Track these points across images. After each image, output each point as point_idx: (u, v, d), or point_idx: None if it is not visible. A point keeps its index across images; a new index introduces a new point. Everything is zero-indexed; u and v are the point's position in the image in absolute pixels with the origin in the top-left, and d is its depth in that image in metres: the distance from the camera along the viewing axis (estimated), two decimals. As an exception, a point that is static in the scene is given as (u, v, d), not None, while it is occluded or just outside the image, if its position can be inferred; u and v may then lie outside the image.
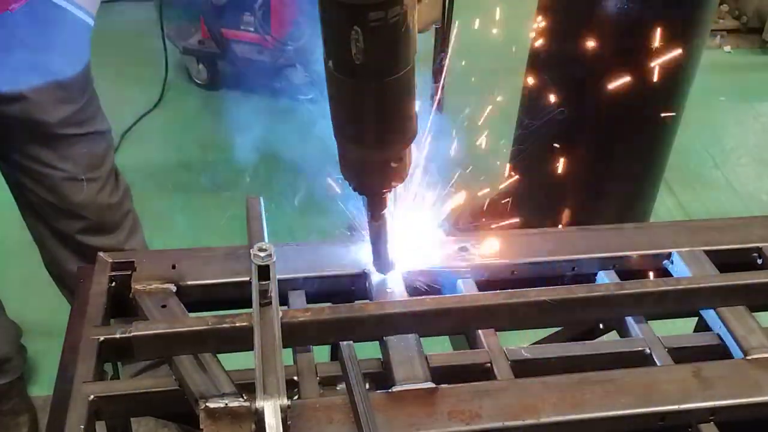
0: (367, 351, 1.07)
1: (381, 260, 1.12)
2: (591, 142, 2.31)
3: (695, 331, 1.27)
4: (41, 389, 2.32)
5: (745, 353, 1.08)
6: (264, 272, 0.97)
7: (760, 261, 1.25)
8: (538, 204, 2.63)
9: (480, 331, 1.10)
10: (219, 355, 1.01)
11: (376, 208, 1.05)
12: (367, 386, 1.01)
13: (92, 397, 0.96)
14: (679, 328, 1.23)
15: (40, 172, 1.78)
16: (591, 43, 2.20)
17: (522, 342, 1.16)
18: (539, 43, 2.44)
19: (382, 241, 1.10)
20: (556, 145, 2.49)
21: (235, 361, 1.02)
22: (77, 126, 1.77)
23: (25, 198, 1.88)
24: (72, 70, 1.71)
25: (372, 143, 0.94)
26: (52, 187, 1.81)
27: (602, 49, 2.21)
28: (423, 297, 1.09)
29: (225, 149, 3.41)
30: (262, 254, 0.97)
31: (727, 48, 4.34)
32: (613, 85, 2.04)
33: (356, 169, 1.00)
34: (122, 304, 1.13)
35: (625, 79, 2.03)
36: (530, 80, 2.51)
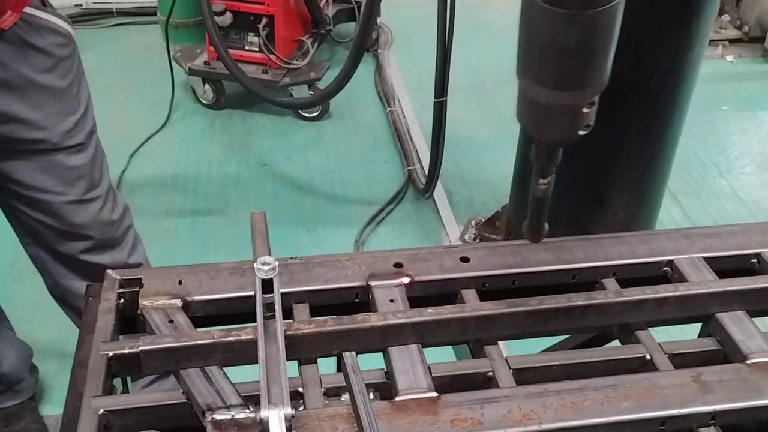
0: (373, 362, 1.09)
1: (538, 226, 1.02)
2: (592, 152, 2.32)
3: (699, 337, 1.28)
4: (53, 409, 2.34)
5: (745, 357, 1.09)
6: (267, 286, 0.99)
7: (759, 266, 1.27)
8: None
9: (482, 340, 1.11)
10: (226, 368, 1.03)
11: (550, 162, 0.95)
12: (372, 396, 1.03)
13: (102, 411, 0.98)
14: (687, 335, 1.24)
15: (39, 198, 1.78)
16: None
17: (530, 351, 1.17)
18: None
19: (545, 203, 1.00)
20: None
21: (243, 373, 1.04)
22: (75, 145, 1.77)
23: (25, 226, 1.87)
24: (64, 82, 1.73)
25: (569, 83, 0.85)
26: (53, 212, 1.81)
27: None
28: (424, 308, 1.10)
29: (231, 168, 3.45)
30: (265, 268, 0.99)
31: (730, 57, 4.36)
32: (612, 95, 2.05)
33: (542, 114, 0.89)
34: (130, 320, 1.15)
35: (625, 88, 2.05)
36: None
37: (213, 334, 1.02)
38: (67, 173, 1.78)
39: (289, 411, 0.88)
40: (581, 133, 0.90)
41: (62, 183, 1.78)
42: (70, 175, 1.79)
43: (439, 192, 3.24)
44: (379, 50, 4.28)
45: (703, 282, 1.19)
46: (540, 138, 0.93)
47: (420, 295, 1.18)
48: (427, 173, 3.13)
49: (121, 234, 1.96)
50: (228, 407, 0.96)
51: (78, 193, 1.81)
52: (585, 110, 0.88)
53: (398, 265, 1.20)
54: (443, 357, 1.13)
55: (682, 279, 1.21)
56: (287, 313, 1.11)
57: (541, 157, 0.95)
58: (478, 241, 2.99)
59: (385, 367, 1.07)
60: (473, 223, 3.09)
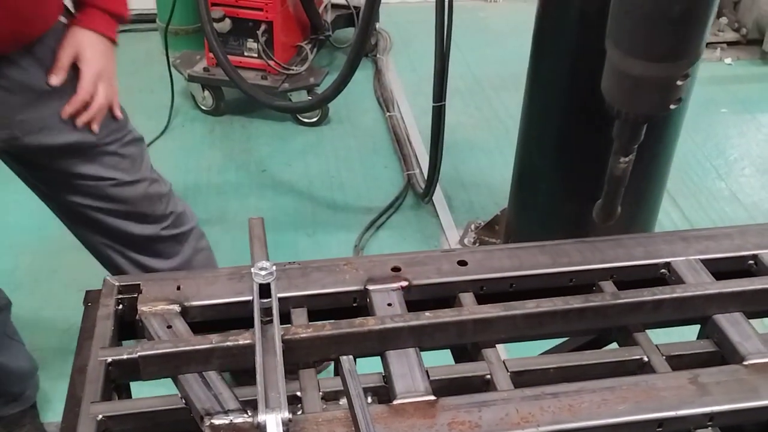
0: (371, 366, 1.09)
1: (612, 207, 0.99)
2: (591, 154, 2.33)
3: (697, 339, 1.29)
4: (54, 416, 2.34)
5: (742, 359, 1.09)
6: (265, 290, 1.00)
7: (756, 268, 1.27)
8: (540, 220, 2.65)
9: (480, 344, 1.12)
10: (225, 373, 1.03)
11: (632, 139, 0.92)
12: (370, 400, 1.03)
13: (100, 416, 0.98)
14: (685, 337, 1.25)
15: (103, 186, 1.80)
16: (587, 58, 2.23)
17: (528, 354, 1.17)
18: (538, 57, 2.48)
19: (622, 183, 0.97)
20: (556, 158, 2.52)
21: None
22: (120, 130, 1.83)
23: (98, 222, 1.87)
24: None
25: (666, 54, 0.82)
26: (123, 198, 1.84)
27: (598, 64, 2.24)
28: (422, 311, 1.11)
29: (231, 174, 3.46)
30: (262, 273, 1.00)
31: (728, 60, 4.37)
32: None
33: (632, 87, 0.86)
34: (129, 326, 1.16)
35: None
36: (532, 93, 2.55)
37: (211, 339, 1.03)
38: (122, 160, 1.82)
39: (287, 415, 0.88)
40: (672, 107, 0.87)
41: (122, 169, 1.82)
42: (126, 162, 1.83)
43: (438, 196, 3.24)
44: (378, 55, 4.28)
45: (700, 284, 1.19)
46: (628, 112, 0.90)
47: (418, 299, 1.18)
48: (426, 178, 3.14)
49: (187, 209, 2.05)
50: (226, 412, 0.96)
51: (144, 173, 1.87)
52: (679, 82, 0.85)
53: (396, 269, 1.21)
54: (441, 360, 1.14)
55: (679, 281, 1.22)
56: (285, 318, 1.11)
57: (624, 134, 0.93)
58: (477, 245, 2.99)
59: (382, 371, 1.07)
60: (473, 227, 3.10)
